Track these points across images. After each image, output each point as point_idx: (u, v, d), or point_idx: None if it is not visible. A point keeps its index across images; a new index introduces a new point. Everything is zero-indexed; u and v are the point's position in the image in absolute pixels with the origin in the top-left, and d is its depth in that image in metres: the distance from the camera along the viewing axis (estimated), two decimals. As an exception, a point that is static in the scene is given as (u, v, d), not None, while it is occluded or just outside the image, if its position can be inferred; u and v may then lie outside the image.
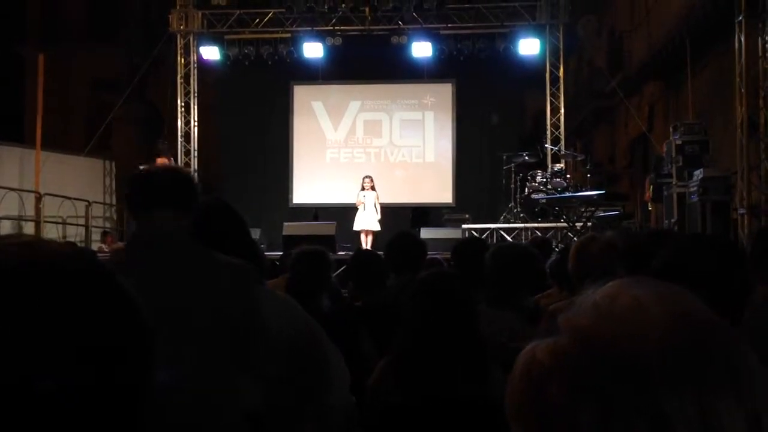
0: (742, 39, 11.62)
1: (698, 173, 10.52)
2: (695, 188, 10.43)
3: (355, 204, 14.03)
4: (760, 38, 11.39)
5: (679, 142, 11.57)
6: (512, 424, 0.72)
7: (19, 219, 14.34)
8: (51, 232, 14.17)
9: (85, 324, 0.66)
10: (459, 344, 2.44)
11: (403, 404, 2.48)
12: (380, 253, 4.51)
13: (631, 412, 0.65)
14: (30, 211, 14.21)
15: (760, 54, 11.40)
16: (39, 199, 14.00)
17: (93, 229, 15.48)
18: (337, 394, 2.64)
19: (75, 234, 14.93)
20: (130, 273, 2.22)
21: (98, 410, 0.65)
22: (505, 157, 14.98)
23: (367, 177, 14.12)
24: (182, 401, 2.05)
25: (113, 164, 18.23)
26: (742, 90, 11.77)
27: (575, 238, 12.00)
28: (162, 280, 2.14)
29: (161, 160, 13.05)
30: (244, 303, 2.27)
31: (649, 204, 13.60)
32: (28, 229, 14.23)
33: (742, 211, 11.45)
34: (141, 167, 2.58)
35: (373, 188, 13.97)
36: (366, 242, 13.75)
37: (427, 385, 2.43)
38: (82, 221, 15.20)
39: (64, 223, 14.20)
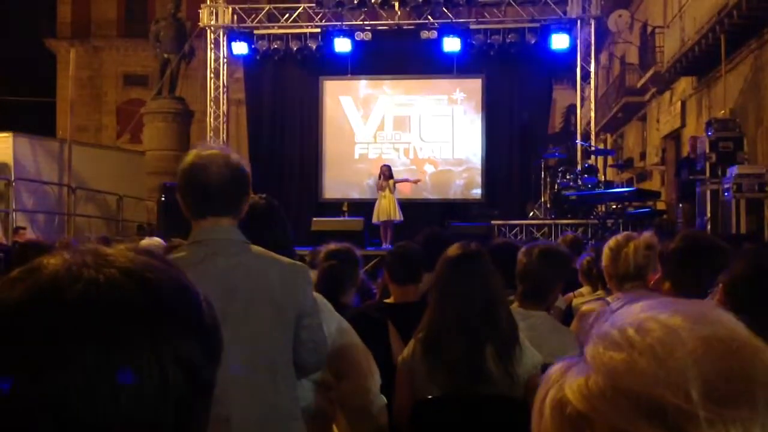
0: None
1: (732, 170, 10.36)
2: (729, 185, 10.27)
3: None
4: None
5: (712, 138, 11.39)
6: None
7: (51, 213, 14.49)
8: (82, 226, 14.32)
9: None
10: (487, 321, 2.52)
11: (433, 399, 2.51)
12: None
13: None
14: (63, 205, 14.37)
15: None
16: (71, 192, 14.14)
17: (124, 224, 15.63)
18: (373, 396, 2.64)
19: (106, 229, 15.07)
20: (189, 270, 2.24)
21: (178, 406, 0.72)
22: (534, 152, 14.85)
23: (384, 166, 13.95)
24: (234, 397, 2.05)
25: (144, 158, 18.38)
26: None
27: (606, 235, 11.89)
28: (225, 279, 2.15)
29: None
30: (307, 302, 2.31)
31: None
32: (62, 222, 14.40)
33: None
34: (190, 159, 2.29)
35: (391, 176, 13.71)
36: (386, 236, 13.43)
37: (455, 368, 2.48)
38: (113, 214, 15.35)
39: (96, 217, 14.34)
